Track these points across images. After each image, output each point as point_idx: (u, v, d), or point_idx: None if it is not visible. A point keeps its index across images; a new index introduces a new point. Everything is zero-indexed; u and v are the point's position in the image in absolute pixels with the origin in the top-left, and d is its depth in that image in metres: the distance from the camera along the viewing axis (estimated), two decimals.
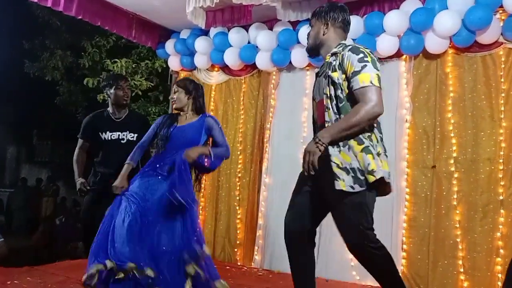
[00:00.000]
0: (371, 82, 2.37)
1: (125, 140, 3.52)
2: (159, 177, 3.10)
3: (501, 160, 4.03)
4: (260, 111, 5.37)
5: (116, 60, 7.84)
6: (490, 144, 4.09)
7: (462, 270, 4.06)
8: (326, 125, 2.48)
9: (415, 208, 4.34)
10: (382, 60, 4.61)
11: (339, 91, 2.46)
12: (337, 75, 2.47)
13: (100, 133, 3.48)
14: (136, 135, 3.57)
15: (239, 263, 5.21)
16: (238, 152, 5.45)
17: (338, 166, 2.40)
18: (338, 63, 2.48)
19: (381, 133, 2.54)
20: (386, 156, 2.50)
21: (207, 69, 5.73)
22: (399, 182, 4.39)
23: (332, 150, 2.42)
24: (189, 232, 3.01)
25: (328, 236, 4.35)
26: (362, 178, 2.38)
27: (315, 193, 2.65)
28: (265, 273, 4.81)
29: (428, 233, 4.23)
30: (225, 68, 5.59)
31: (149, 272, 2.73)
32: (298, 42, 4.90)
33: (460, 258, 4.08)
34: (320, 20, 2.66)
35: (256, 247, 5.14)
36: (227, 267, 4.90)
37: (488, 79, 4.16)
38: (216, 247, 5.39)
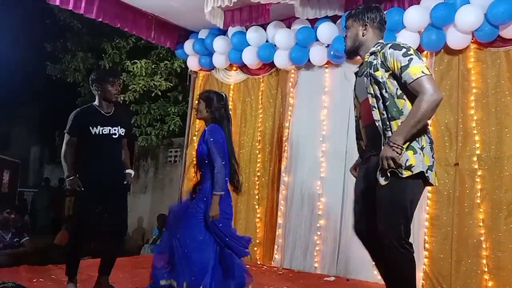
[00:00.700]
0: (422, 72, 2.38)
1: (116, 135, 3.43)
2: None
3: None
4: (278, 110, 5.36)
5: (136, 61, 7.91)
6: None
7: (486, 269, 3.98)
8: (377, 124, 2.51)
9: (437, 207, 4.27)
10: None
11: (383, 90, 2.48)
12: (380, 74, 2.49)
13: (90, 128, 3.34)
14: (125, 130, 3.52)
15: (259, 262, 5.21)
16: (257, 151, 5.45)
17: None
18: (380, 61, 2.51)
19: (427, 127, 2.52)
20: (432, 149, 2.50)
21: (225, 68, 5.74)
22: None
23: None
24: None
25: (349, 235, 4.32)
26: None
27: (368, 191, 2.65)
28: (285, 272, 4.80)
29: (451, 232, 4.16)
30: (243, 67, 5.60)
31: None
32: (317, 40, 4.88)
33: (484, 257, 4.00)
34: (358, 22, 2.67)
35: (276, 246, 5.13)
36: (247, 266, 4.90)
37: None
38: None
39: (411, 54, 2.42)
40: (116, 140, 3.47)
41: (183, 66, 7.31)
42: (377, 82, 2.49)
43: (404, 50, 2.44)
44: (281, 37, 5.03)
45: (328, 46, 4.84)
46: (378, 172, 2.44)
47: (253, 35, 5.22)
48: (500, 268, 3.93)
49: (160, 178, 8.88)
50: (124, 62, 8.26)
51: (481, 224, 4.04)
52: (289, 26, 5.14)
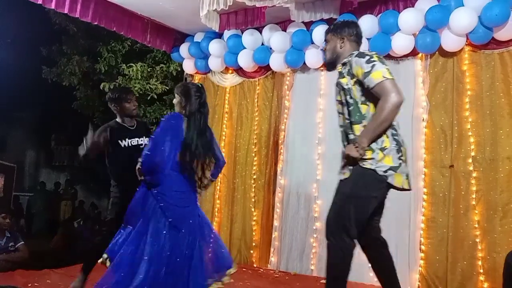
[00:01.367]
0: (383, 77, 2.53)
1: (143, 145, 3.63)
2: None
3: None
4: (274, 113, 5.37)
5: (132, 64, 7.90)
6: (509, 142, 4.03)
7: (481, 271, 4.00)
8: (340, 129, 2.74)
9: (433, 208, 4.28)
10: (397, 59, 4.58)
11: (348, 96, 2.68)
12: (346, 81, 2.68)
13: (119, 141, 3.58)
14: (147, 139, 3.68)
15: (255, 265, 5.21)
16: (253, 154, 5.45)
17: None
18: (347, 70, 2.69)
19: (395, 129, 2.64)
20: (399, 151, 2.61)
21: (221, 71, 5.75)
22: (416, 182, 4.34)
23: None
24: None
25: None
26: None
27: None
28: (282, 274, 4.79)
29: (446, 234, 4.17)
30: (239, 70, 5.60)
31: None
32: (312, 43, 4.89)
33: (480, 259, 4.01)
34: (336, 35, 2.86)
35: (272, 249, 5.13)
36: (243, 269, 4.90)
37: (507, 76, 4.09)
38: (232, 249, 5.39)
39: (374, 61, 2.58)
40: (143, 150, 3.58)
41: (179, 69, 7.32)
42: (343, 89, 2.69)
43: (367, 57, 2.60)
44: (277, 40, 5.05)
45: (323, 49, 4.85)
46: (340, 169, 2.69)
47: (249, 38, 5.23)
48: (495, 270, 3.93)
49: None
50: (119, 65, 8.25)
51: (476, 225, 4.06)
52: (284, 29, 5.16)
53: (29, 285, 3.73)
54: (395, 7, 4.54)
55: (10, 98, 11.25)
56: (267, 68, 5.35)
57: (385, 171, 2.57)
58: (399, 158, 2.61)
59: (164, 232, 3.06)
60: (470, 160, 4.15)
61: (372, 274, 4.33)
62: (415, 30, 4.32)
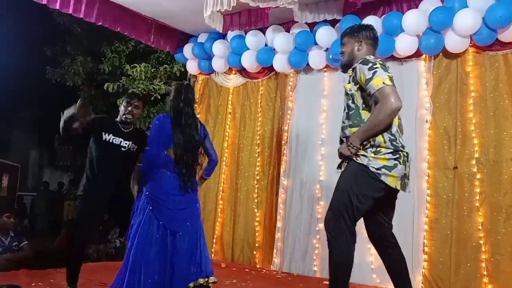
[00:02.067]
0: (383, 83, 2.58)
1: (125, 148, 3.55)
2: None
3: None
4: (277, 113, 5.37)
5: (135, 65, 7.92)
6: None
7: (485, 273, 3.98)
8: (342, 131, 2.81)
9: (436, 210, 4.27)
10: (401, 60, 4.57)
11: (350, 101, 2.76)
12: (349, 87, 2.77)
13: (103, 133, 3.50)
14: (136, 147, 3.63)
15: (258, 266, 5.20)
16: (256, 155, 5.45)
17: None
18: (353, 76, 2.77)
19: (393, 135, 2.67)
20: (395, 153, 2.63)
21: (224, 72, 5.76)
22: (420, 184, 4.33)
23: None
24: None
25: None
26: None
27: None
28: (284, 275, 4.79)
29: (450, 235, 4.15)
30: (242, 71, 5.61)
31: None
32: (316, 44, 4.89)
33: (483, 261, 3.99)
34: (353, 38, 2.89)
35: (275, 250, 5.13)
36: (246, 270, 4.91)
37: (511, 78, 4.08)
38: (235, 250, 5.40)
39: (376, 68, 2.63)
40: (125, 152, 3.57)
41: (183, 70, 7.34)
42: (347, 94, 2.78)
43: (370, 64, 2.65)
44: (280, 41, 5.05)
45: (327, 50, 4.85)
46: (336, 167, 2.85)
47: (252, 39, 5.23)
48: (499, 272, 3.92)
49: None
50: (123, 66, 8.28)
51: (480, 227, 4.04)
52: (288, 30, 5.16)
53: (33, 284, 3.74)
54: (398, 8, 4.53)
55: (14, 98, 11.31)
56: (271, 69, 5.35)
57: (378, 169, 2.60)
58: (395, 160, 2.64)
59: (157, 236, 3.08)
60: (473, 162, 4.13)
61: (374, 275, 4.36)
62: (418, 31, 4.31)
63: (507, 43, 4.07)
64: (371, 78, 2.60)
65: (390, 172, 2.61)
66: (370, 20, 4.48)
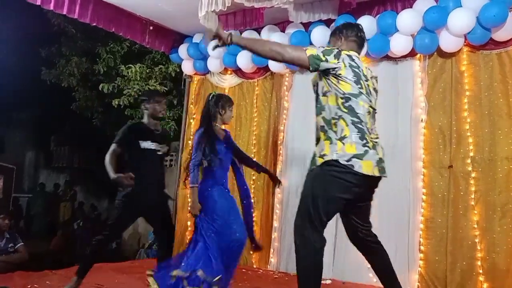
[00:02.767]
0: (306, 50, 2.60)
1: (160, 152, 3.70)
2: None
3: None
4: (273, 114, 5.37)
5: (131, 65, 7.90)
6: (508, 142, 4.03)
7: (481, 271, 4.00)
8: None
9: (432, 209, 4.29)
10: (396, 59, 4.59)
11: (315, 89, 2.77)
12: (315, 78, 2.77)
13: (140, 141, 3.61)
14: (167, 149, 3.82)
15: (254, 266, 5.20)
16: (252, 155, 5.44)
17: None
18: None
19: (358, 118, 2.58)
20: (363, 138, 2.55)
21: (220, 72, 5.75)
22: (415, 183, 4.35)
23: None
24: None
25: (344, 239, 4.30)
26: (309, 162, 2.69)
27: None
28: (281, 275, 4.80)
29: (445, 234, 4.17)
30: (238, 71, 5.61)
31: None
32: (311, 44, 4.89)
33: (479, 259, 4.01)
34: (335, 36, 2.90)
35: (271, 250, 5.13)
36: (243, 270, 4.90)
37: (505, 77, 4.10)
38: None
39: (319, 48, 2.63)
40: (160, 156, 3.73)
41: (178, 71, 7.31)
42: (313, 85, 2.78)
43: (321, 49, 2.63)
44: (275, 41, 5.04)
45: None
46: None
47: None
48: (495, 270, 3.94)
49: None
50: (118, 66, 8.25)
51: (475, 226, 4.06)
52: (283, 30, 5.16)
53: (28, 286, 3.73)
54: (393, 8, 4.54)
55: (9, 99, 11.24)
56: (266, 69, 5.35)
57: (348, 160, 2.50)
58: (364, 145, 2.54)
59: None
60: (469, 161, 4.15)
61: (371, 274, 4.36)
62: (413, 31, 4.32)
63: (501, 42, 4.09)
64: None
65: (363, 159, 2.51)
66: (365, 19, 4.51)
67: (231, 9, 4.45)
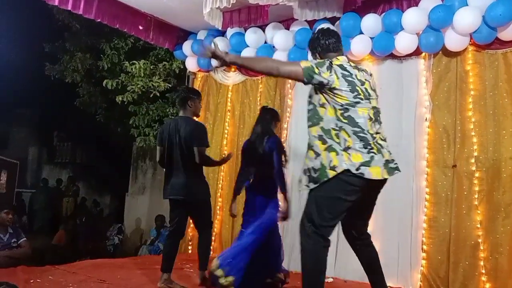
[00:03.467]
0: (301, 63, 2.67)
1: None
2: None
3: None
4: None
5: (135, 62, 7.90)
6: None
7: (483, 271, 3.98)
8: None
9: (435, 208, 4.27)
10: (400, 58, 4.57)
11: (308, 102, 2.84)
12: (310, 90, 2.84)
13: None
14: None
15: None
16: None
17: (303, 170, 2.80)
18: None
19: (359, 127, 2.61)
20: (366, 146, 2.59)
21: (224, 69, 5.74)
22: (418, 182, 4.34)
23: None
24: None
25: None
26: (315, 175, 2.66)
27: None
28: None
29: (448, 234, 4.16)
30: (241, 69, 5.59)
31: None
32: None
33: (482, 259, 4.00)
34: (311, 50, 2.96)
35: None
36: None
37: (510, 76, 4.07)
38: None
39: (313, 61, 2.71)
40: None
41: (182, 67, 7.31)
42: (308, 96, 2.82)
43: (315, 61, 2.72)
44: (280, 38, 5.04)
45: None
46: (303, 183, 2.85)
47: (252, 36, 5.22)
48: (497, 270, 3.93)
49: (158, 179, 8.85)
50: (122, 62, 8.25)
51: (478, 226, 4.05)
52: (287, 28, 5.15)
53: (31, 281, 3.74)
54: (398, 6, 4.52)
55: (13, 94, 11.28)
56: None
57: (357, 169, 2.54)
58: (369, 152, 2.58)
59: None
60: (473, 160, 4.14)
61: None
62: (418, 29, 4.31)
63: (507, 42, 4.07)
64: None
65: (370, 166, 2.56)
66: (370, 18, 4.49)
67: (236, 6, 4.44)
